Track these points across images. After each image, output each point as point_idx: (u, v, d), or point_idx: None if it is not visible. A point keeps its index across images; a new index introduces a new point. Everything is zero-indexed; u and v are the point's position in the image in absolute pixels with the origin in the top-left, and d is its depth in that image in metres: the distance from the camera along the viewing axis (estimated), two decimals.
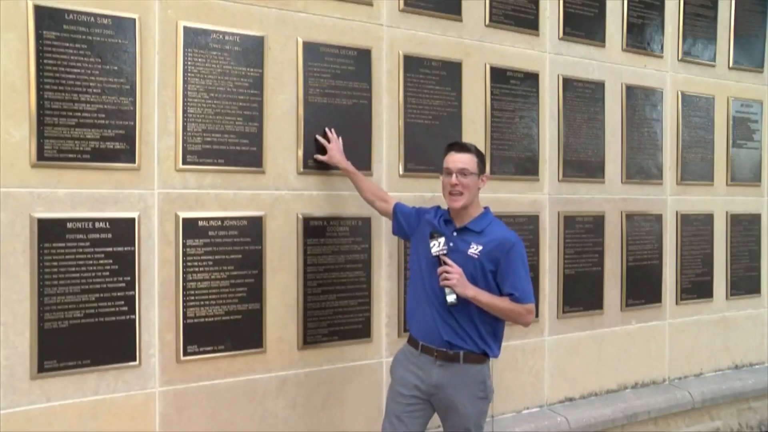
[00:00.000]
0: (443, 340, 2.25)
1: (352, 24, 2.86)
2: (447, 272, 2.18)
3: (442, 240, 2.23)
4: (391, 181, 2.95)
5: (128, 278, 2.36)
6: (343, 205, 2.80)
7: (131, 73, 2.37)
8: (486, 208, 2.42)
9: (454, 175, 2.28)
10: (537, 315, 3.37)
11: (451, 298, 2.19)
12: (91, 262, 2.30)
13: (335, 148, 2.67)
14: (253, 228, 2.60)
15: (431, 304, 2.29)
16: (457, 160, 2.31)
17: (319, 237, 2.75)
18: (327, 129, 2.72)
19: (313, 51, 2.74)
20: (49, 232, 2.23)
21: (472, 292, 2.20)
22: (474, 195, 2.33)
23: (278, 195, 2.66)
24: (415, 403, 2.32)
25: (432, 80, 3.05)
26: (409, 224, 2.52)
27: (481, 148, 3.16)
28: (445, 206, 2.45)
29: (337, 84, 2.80)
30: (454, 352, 2.25)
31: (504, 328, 2.36)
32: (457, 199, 2.29)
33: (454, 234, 2.32)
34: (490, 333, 2.29)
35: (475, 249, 2.26)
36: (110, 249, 2.33)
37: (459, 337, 2.25)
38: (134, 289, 2.37)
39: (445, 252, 2.23)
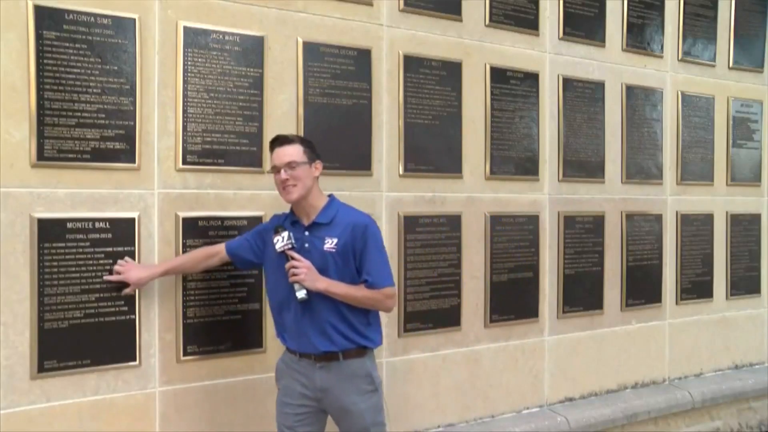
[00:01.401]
0: (315, 347, 2.13)
1: (352, 24, 2.86)
2: (294, 267, 2.07)
3: (285, 234, 2.11)
4: (391, 181, 2.95)
5: None
6: None
7: (131, 73, 2.37)
8: (330, 196, 2.28)
9: (282, 171, 2.14)
10: (537, 315, 3.37)
11: (300, 293, 2.07)
12: (91, 262, 2.30)
13: (133, 273, 2.31)
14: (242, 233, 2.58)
15: (296, 309, 2.15)
16: (282, 154, 2.16)
17: None
18: (119, 264, 2.33)
19: (313, 51, 2.75)
20: (49, 232, 2.23)
21: (323, 284, 2.08)
22: (310, 186, 2.18)
23: (278, 195, 2.65)
24: (306, 412, 2.20)
25: (432, 80, 3.05)
26: (252, 247, 2.33)
27: (481, 148, 3.19)
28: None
29: (337, 84, 2.80)
30: (332, 353, 2.14)
31: (379, 316, 2.27)
32: (291, 191, 2.14)
33: (306, 234, 2.18)
34: (363, 323, 2.18)
35: (330, 243, 2.15)
36: (110, 249, 2.33)
37: (329, 340, 2.13)
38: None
39: (290, 246, 2.11)
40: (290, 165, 2.14)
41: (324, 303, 2.12)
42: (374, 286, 2.16)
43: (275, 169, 2.17)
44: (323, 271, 2.12)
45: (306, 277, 2.07)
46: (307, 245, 2.16)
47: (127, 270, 2.31)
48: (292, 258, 2.10)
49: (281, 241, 2.11)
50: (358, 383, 2.16)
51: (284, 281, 2.13)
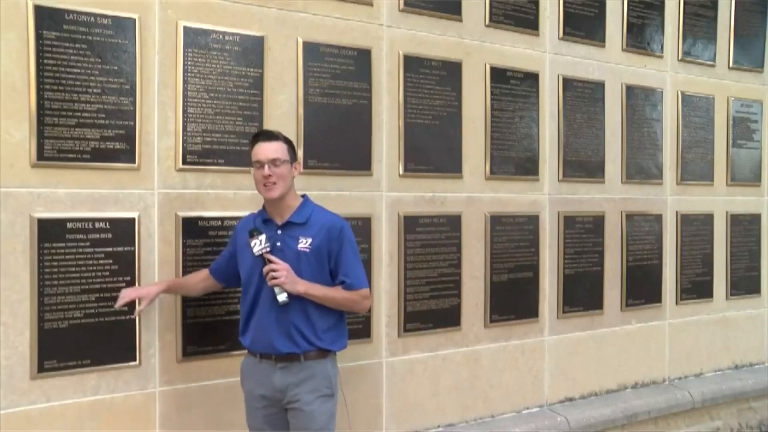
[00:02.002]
0: (276, 348, 2.11)
1: (352, 24, 2.86)
2: (273, 270, 2.04)
3: (263, 237, 2.09)
4: (391, 181, 2.95)
5: (128, 278, 2.36)
6: (344, 204, 2.80)
7: (131, 73, 2.37)
8: (304, 196, 2.26)
9: (266, 167, 2.10)
10: (537, 315, 3.37)
11: (282, 297, 2.04)
12: (91, 262, 2.30)
13: (142, 290, 2.32)
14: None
15: (262, 309, 2.13)
16: (267, 150, 2.13)
17: None
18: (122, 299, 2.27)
19: (313, 51, 2.75)
20: (49, 232, 2.23)
21: (303, 287, 2.07)
22: (289, 184, 2.17)
23: None
24: (271, 414, 2.17)
25: (432, 80, 3.05)
26: (230, 260, 2.29)
27: (481, 148, 3.20)
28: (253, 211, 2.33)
29: (337, 84, 2.80)
30: (294, 353, 2.12)
31: (345, 319, 2.26)
32: (272, 188, 2.11)
33: (279, 232, 2.16)
34: (329, 329, 2.16)
35: (305, 243, 2.13)
36: (110, 249, 2.33)
37: (292, 342, 2.10)
38: None
39: (268, 250, 2.08)
40: (275, 162, 2.12)
41: (293, 308, 2.10)
42: (352, 288, 2.16)
43: (258, 164, 2.14)
44: (296, 271, 2.10)
45: (287, 279, 2.04)
46: (279, 244, 2.13)
47: (135, 289, 2.31)
48: (270, 261, 2.07)
49: (259, 244, 2.08)
50: (317, 384, 2.13)
51: (256, 282, 2.13)
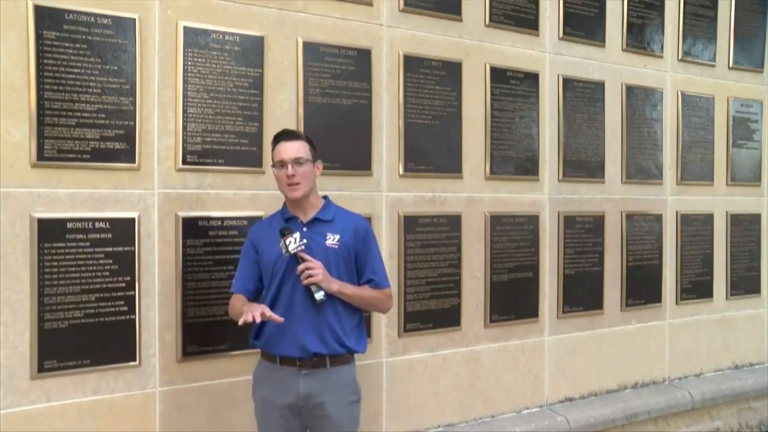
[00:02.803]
0: (305, 348, 2.06)
1: (352, 24, 2.86)
2: (309, 268, 2.02)
3: (297, 236, 2.05)
4: (391, 181, 2.95)
5: (128, 278, 2.36)
6: (344, 204, 2.78)
7: (131, 73, 2.37)
8: (326, 197, 2.26)
9: (289, 166, 2.08)
10: (537, 315, 3.37)
11: (319, 295, 2.02)
12: (91, 262, 2.30)
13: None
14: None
15: (290, 311, 2.07)
16: (289, 149, 2.10)
17: None
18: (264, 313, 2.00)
19: (313, 51, 2.75)
20: (49, 232, 2.23)
21: (336, 285, 2.07)
22: (312, 184, 2.16)
23: (278, 195, 2.62)
24: (291, 421, 2.11)
25: (432, 80, 3.05)
26: (257, 269, 2.19)
27: (481, 148, 3.19)
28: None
29: (337, 84, 2.80)
30: (319, 357, 2.07)
31: (363, 321, 2.24)
32: (296, 188, 2.09)
33: (305, 230, 2.13)
34: (354, 328, 2.15)
35: (333, 239, 2.12)
36: (110, 249, 2.33)
37: (322, 342, 2.07)
38: (134, 289, 2.37)
39: (302, 248, 2.05)
40: (298, 161, 2.09)
41: (327, 304, 2.08)
42: (379, 286, 2.18)
43: (281, 164, 2.11)
44: (325, 266, 2.09)
45: (324, 277, 2.03)
46: (305, 241, 2.10)
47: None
48: (304, 260, 2.04)
49: (293, 243, 2.04)
50: (344, 391, 2.13)
51: (290, 282, 2.08)
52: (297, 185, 2.10)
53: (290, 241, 2.05)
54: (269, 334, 2.13)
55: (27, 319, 2.20)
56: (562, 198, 3.48)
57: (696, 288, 4.00)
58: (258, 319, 1.93)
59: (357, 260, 2.17)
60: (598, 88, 3.60)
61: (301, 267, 2.03)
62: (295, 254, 2.05)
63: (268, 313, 1.97)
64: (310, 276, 2.02)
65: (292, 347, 2.08)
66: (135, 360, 2.38)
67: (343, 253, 2.14)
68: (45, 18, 2.22)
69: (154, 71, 2.43)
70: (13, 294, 2.19)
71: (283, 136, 2.17)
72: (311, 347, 2.07)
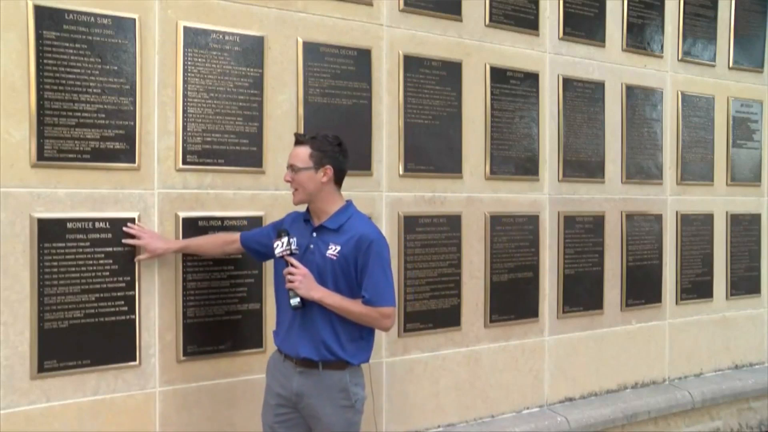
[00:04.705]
0: (298, 354, 2.11)
1: (352, 24, 2.86)
2: (291, 273, 2.04)
3: (286, 240, 2.07)
4: (391, 181, 2.95)
5: (128, 278, 2.36)
6: None
7: (131, 73, 2.37)
8: (348, 202, 2.21)
9: (287, 172, 2.14)
10: (537, 315, 3.37)
11: (294, 301, 2.03)
12: (91, 262, 2.30)
13: (152, 242, 2.33)
14: (253, 228, 2.59)
15: (287, 311, 2.13)
16: (292, 154, 2.14)
17: None
18: (128, 227, 2.34)
19: (313, 51, 2.75)
20: (49, 232, 2.23)
21: (318, 294, 2.04)
22: (313, 191, 2.11)
23: (278, 195, 2.66)
24: (285, 413, 2.16)
25: (432, 80, 3.05)
26: (263, 240, 2.30)
27: (481, 148, 3.19)
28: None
29: (337, 84, 2.80)
30: (312, 361, 2.10)
31: (374, 333, 2.20)
32: (294, 194, 2.14)
33: (314, 235, 2.15)
34: (353, 341, 2.12)
35: (333, 250, 2.09)
36: (110, 249, 2.33)
37: (314, 348, 2.09)
38: (134, 289, 2.37)
39: (288, 252, 2.07)
40: (292, 167, 2.12)
41: (320, 314, 2.08)
42: (371, 304, 2.08)
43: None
44: (322, 275, 2.09)
45: (300, 285, 2.03)
46: (312, 246, 2.13)
47: (146, 237, 2.33)
48: (290, 264, 2.07)
49: (280, 246, 2.08)
50: (333, 395, 2.11)
51: (284, 283, 2.12)
52: (295, 191, 2.14)
53: (277, 244, 2.09)
54: (280, 331, 2.21)
55: (27, 319, 2.20)
56: (562, 198, 3.48)
57: (696, 288, 4.00)
58: (130, 232, 2.29)
59: (357, 274, 2.10)
60: (598, 88, 3.60)
61: (284, 271, 2.07)
62: (282, 257, 2.08)
63: (131, 240, 2.30)
64: (290, 281, 2.05)
65: (291, 348, 2.15)
66: (135, 360, 2.38)
67: (341, 264, 2.09)
68: (45, 18, 2.22)
69: (154, 71, 2.43)
70: (13, 294, 2.19)
71: (295, 139, 2.19)
72: (301, 351, 2.11)
